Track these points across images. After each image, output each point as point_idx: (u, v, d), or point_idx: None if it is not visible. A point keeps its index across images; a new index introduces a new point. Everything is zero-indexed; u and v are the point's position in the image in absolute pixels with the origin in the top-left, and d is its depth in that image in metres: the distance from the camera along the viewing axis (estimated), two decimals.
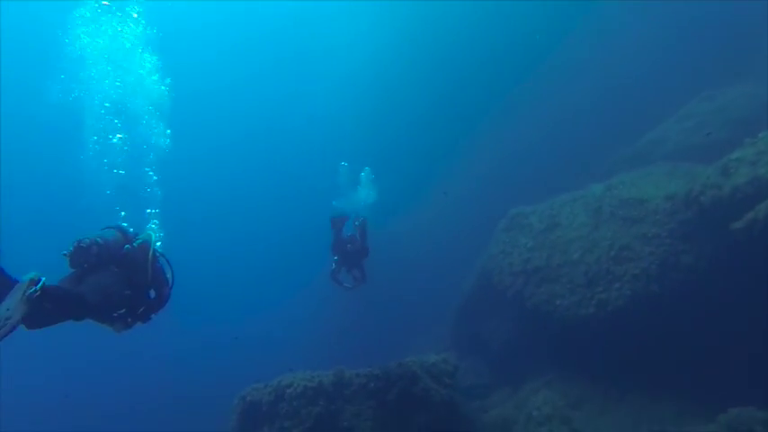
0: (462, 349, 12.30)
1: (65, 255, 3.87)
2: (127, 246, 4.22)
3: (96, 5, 9.24)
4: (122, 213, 6.65)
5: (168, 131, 9.73)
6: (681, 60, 15.35)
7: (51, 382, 21.27)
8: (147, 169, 9.13)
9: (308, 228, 17.37)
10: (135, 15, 9.65)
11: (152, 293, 4.50)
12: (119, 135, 8.32)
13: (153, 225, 6.45)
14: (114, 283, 3.97)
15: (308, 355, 15.63)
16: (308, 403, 7.47)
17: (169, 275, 4.65)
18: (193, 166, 28.49)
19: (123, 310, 4.14)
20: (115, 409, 18.78)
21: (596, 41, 18.49)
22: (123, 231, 4.38)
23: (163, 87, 9.77)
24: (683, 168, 9.53)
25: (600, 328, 9.12)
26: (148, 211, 7.40)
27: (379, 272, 12.01)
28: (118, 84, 8.88)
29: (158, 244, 4.69)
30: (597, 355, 9.37)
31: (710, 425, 6.90)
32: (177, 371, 21.41)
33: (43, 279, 3.10)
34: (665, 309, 8.46)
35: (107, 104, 8.51)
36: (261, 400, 7.96)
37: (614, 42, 18.10)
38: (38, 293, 3.00)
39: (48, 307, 3.20)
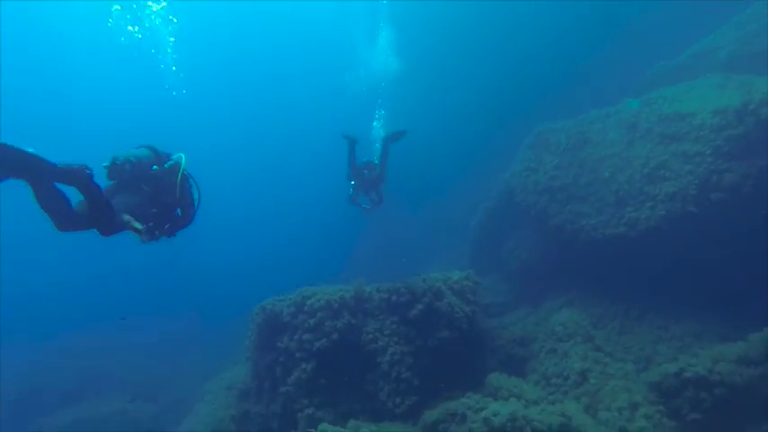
0: (481, 267, 12.17)
1: (105, 167, 4.12)
2: (155, 167, 4.40)
3: None
4: None
5: None
6: None
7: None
8: None
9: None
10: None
11: (179, 212, 4.74)
12: None
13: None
14: (141, 202, 4.22)
15: (328, 273, 15.80)
16: (333, 316, 7.39)
17: (196, 197, 4.87)
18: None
19: (151, 223, 4.30)
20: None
21: None
22: (156, 152, 4.52)
23: None
24: (737, 80, 8.61)
25: (626, 248, 8.86)
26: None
27: (397, 193, 11.61)
28: None
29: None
30: (619, 275, 9.21)
31: (740, 343, 6.77)
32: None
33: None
34: (700, 230, 8.10)
35: None
36: (281, 311, 7.89)
37: None
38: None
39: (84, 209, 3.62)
